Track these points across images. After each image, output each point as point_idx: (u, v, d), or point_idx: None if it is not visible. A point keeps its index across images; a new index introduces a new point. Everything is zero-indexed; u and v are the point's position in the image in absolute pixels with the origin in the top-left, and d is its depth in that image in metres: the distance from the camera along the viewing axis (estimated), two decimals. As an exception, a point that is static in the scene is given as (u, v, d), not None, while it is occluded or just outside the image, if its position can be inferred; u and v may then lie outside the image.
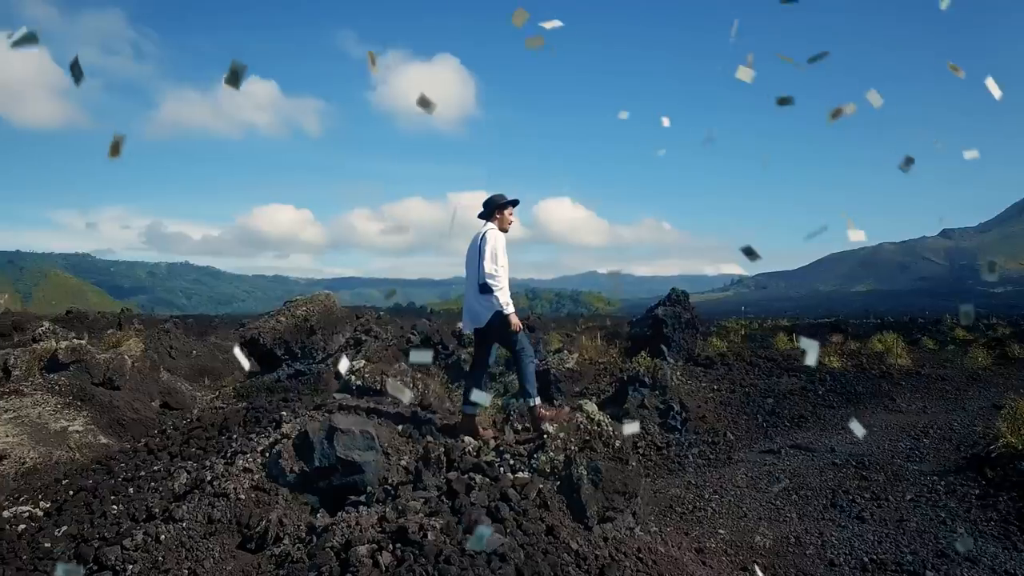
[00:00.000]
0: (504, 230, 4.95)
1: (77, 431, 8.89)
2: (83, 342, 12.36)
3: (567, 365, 13.43)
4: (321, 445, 4.00)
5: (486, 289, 4.54)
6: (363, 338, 16.31)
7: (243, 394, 13.11)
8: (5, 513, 5.22)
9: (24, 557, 4.05)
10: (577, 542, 3.62)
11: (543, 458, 4.07)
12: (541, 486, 3.90)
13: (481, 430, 4.61)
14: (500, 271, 4.63)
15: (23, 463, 7.37)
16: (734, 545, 5.52)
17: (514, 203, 5.01)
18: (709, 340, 14.68)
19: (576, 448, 4.10)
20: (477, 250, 4.71)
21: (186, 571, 3.39)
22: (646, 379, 10.10)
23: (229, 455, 4.55)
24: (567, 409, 4.58)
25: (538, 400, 4.54)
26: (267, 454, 4.15)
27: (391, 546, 3.13)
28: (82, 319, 21.39)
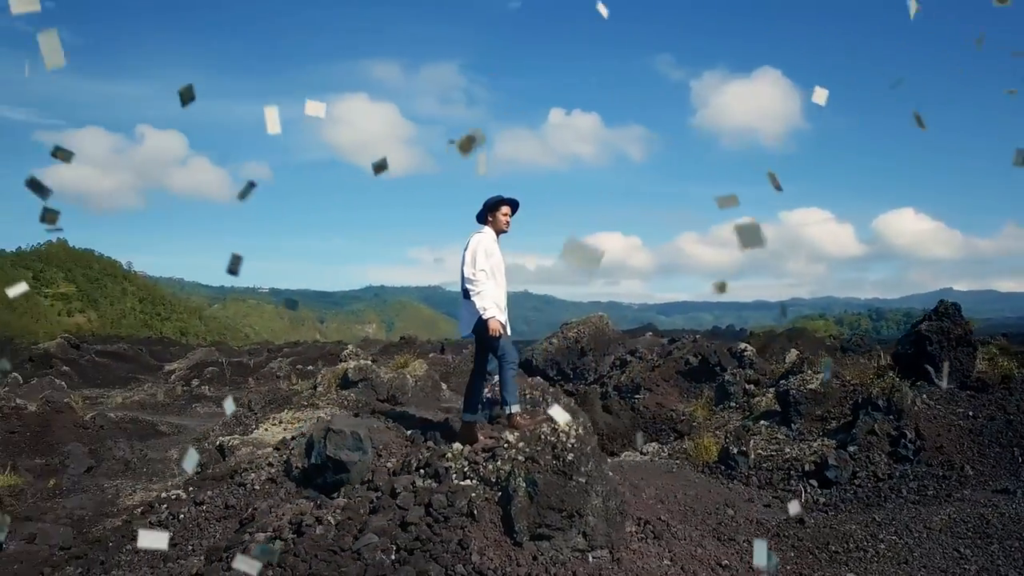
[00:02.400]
0: (501, 231, 4.92)
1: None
2: (370, 362, 14.55)
3: (809, 386, 12.09)
4: (318, 445, 4.47)
5: (468, 294, 4.56)
6: (628, 359, 16.46)
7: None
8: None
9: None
10: (489, 556, 3.50)
11: (490, 467, 3.98)
12: (473, 495, 3.82)
13: (481, 436, 4.60)
14: (480, 275, 4.60)
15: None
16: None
17: (509, 202, 4.90)
18: (997, 361, 11.81)
19: (522, 458, 3.92)
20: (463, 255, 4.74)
21: (190, 548, 4.13)
22: (879, 402, 8.70)
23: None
24: (541, 417, 4.35)
25: (515, 408, 4.39)
26: (285, 452, 4.78)
27: (286, 534, 3.46)
28: (411, 344, 25.18)
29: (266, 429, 9.75)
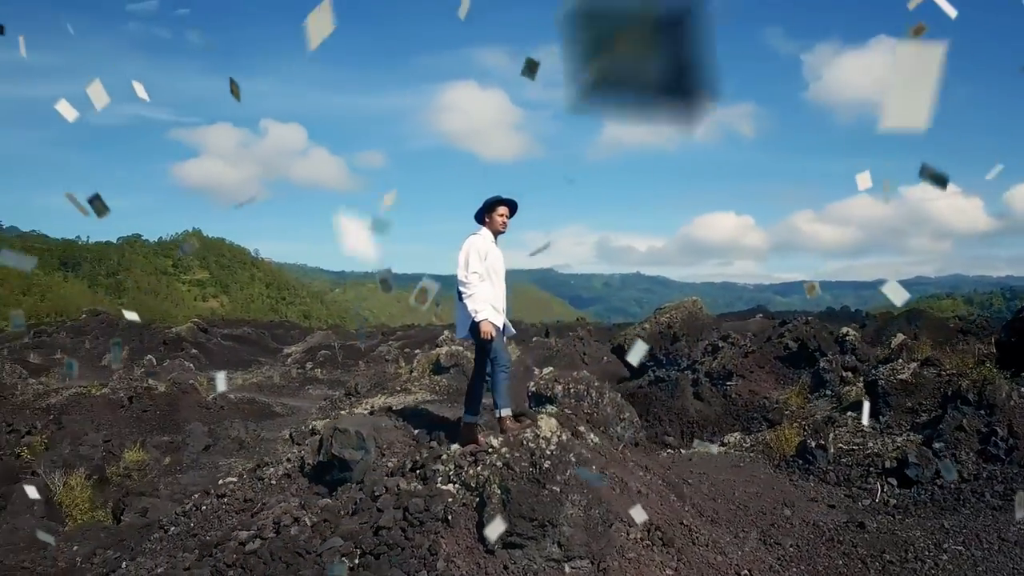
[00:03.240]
0: (497, 232, 4.87)
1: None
2: (461, 348, 14.76)
3: (900, 376, 11.28)
4: (326, 443, 4.61)
5: (462, 296, 4.55)
6: (720, 345, 15.90)
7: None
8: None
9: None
10: (457, 564, 3.48)
11: (471, 471, 3.94)
12: (450, 500, 3.81)
13: (480, 438, 4.58)
14: (473, 277, 4.59)
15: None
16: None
17: (506, 203, 4.82)
18: None
19: (500, 464, 3.86)
20: None
21: (208, 536, 4.41)
22: (969, 396, 7.92)
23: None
24: (528, 422, 4.25)
25: (505, 411, 4.34)
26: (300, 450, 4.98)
27: (268, 533, 3.61)
28: (517, 327, 25.54)
29: (359, 413, 10.13)
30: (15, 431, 10.86)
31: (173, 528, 4.60)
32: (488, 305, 4.54)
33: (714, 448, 9.19)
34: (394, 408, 5.54)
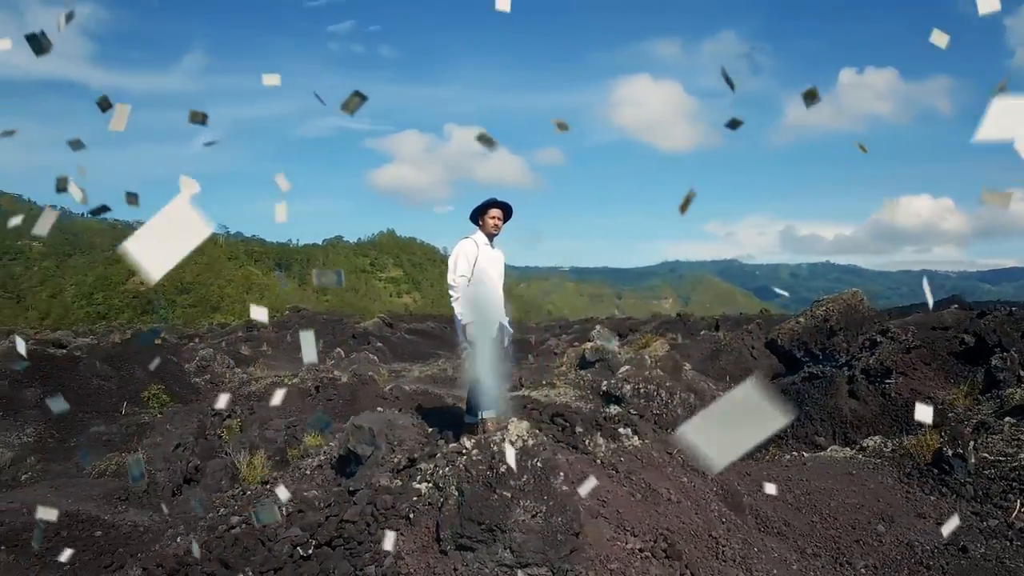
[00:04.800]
0: (490, 234, 4.87)
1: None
2: (605, 344, 14.52)
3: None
4: (346, 438, 4.87)
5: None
6: (879, 339, 14.35)
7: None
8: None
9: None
10: (407, 562, 3.56)
11: (442, 472, 3.96)
12: (415, 498, 3.86)
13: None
14: (460, 281, 4.70)
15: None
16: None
17: (499, 206, 4.80)
18: None
19: (462, 467, 3.83)
20: None
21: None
22: None
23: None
24: (503, 425, 4.14)
25: (487, 414, 4.33)
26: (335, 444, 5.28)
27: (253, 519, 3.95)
28: (685, 321, 24.68)
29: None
30: (218, 415, 12.52)
31: (211, 514, 5.20)
32: (476, 309, 4.60)
33: (841, 452, 8.40)
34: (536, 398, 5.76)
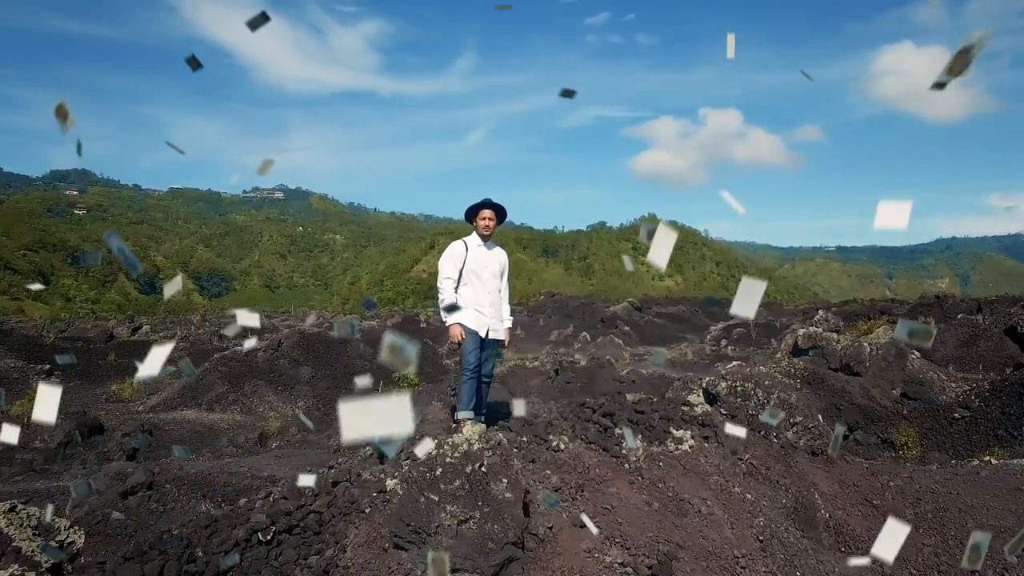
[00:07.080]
0: (483, 235, 4.95)
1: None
2: (819, 330, 13.00)
3: None
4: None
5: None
6: None
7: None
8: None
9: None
10: (351, 555, 3.59)
11: (404, 470, 3.88)
12: (375, 493, 3.84)
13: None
14: (446, 283, 4.79)
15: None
16: None
17: (491, 207, 4.91)
18: None
19: (406, 468, 3.73)
20: None
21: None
22: None
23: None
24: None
25: (461, 414, 4.22)
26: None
27: (276, 495, 4.28)
28: (943, 303, 21.38)
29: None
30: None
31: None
32: (458, 309, 4.64)
33: (1017, 462, 6.85)
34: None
